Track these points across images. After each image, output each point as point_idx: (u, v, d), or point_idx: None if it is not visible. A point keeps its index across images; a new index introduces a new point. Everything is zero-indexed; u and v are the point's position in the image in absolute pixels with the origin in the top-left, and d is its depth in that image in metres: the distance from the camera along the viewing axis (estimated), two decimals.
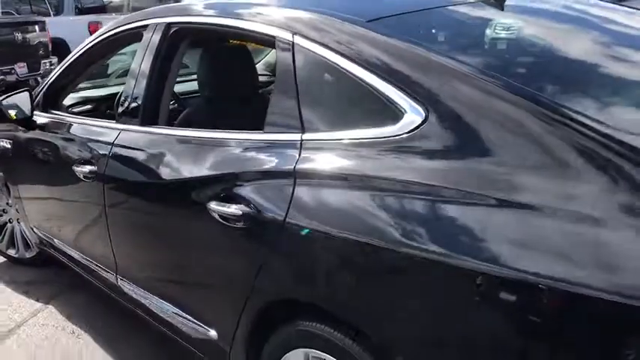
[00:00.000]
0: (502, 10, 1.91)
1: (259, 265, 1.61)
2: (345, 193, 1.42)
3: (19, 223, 3.56)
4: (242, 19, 1.92)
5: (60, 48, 10.70)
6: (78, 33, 11.23)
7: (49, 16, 12.08)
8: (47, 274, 3.48)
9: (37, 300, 3.21)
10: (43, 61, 9.38)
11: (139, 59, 2.31)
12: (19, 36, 8.96)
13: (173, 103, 2.81)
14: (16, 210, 3.48)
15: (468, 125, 1.29)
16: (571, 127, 1.20)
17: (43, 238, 3.13)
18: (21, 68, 8.72)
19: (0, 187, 3.58)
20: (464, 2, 1.98)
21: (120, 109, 2.38)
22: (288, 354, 1.61)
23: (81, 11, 14.05)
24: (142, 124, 2.23)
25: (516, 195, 1.17)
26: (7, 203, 3.59)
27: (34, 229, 3.20)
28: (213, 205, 1.72)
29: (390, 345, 1.32)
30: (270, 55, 3.25)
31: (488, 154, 1.25)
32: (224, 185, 1.72)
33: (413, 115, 1.38)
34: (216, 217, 1.71)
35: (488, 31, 1.72)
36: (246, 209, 1.62)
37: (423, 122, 1.35)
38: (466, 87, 1.33)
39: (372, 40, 1.54)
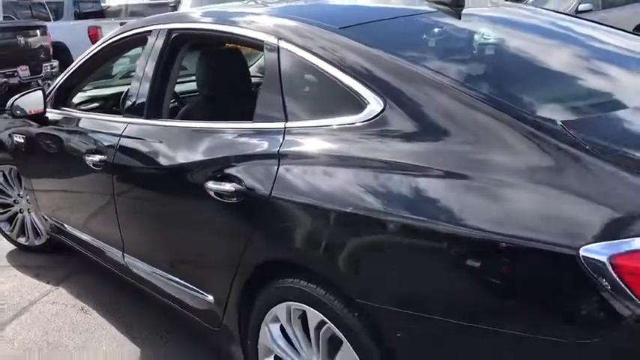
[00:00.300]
0: (451, 18, 2.23)
1: (249, 234, 1.91)
2: (320, 169, 1.73)
3: (29, 213, 3.85)
4: (235, 25, 2.23)
5: (60, 52, 10.99)
6: (78, 37, 11.53)
7: (49, 20, 12.33)
8: (56, 260, 3.77)
9: (48, 282, 3.50)
10: (44, 64, 9.67)
11: (144, 61, 2.61)
12: (21, 40, 9.24)
13: (173, 101, 3.11)
14: (27, 201, 3.77)
15: (416, 112, 1.60)
16: (498, 112, 1.50)
17: (54, 225, 3.42)
18: (23, 71, 9.01)
19: (12, 180, 3.87)
20: (420, 12, 2.29)
21: (126, 105, 2.68)
22: (273, 309, 1.91)
23: (80, 16, 14.33)
24: (147, 118, 2.53)
25: (429, 160, 1.50)
26: (19, 194, 3.88)
27: (45, 217, 3.49)
28: (209, 185, 2.01)
29: (355, 292, 1.61)
30: (262, 60, 3.57)
31: (430, 135, 1.55)
32: (219, 167, 2.02)
33: (374, 105, 1.68)
34: (212, 194, 2.01)
35: (436, 36, 2.03)
36: (238, 186, 1.91)
37: (382, 111, 1.66)
38: (414, 82, 1.64)
39: (343, 43, 1.85)
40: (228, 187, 1.95)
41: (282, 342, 1.93)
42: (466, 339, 1.42)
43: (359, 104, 1.72)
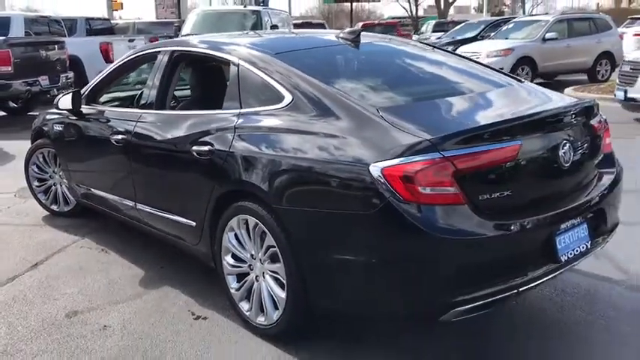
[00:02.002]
0: (347, 47, 3.51)
1: (216, 176, 3.13)
2: (257, 134, 2.96)
3: (60, 185, 5.07)
4: (214, 50, 3.50)
5: (75, 64, 12.29)
6: (90, 51, 12.85)
7: (65, 36, 13.60)
8: (80, 221, 4.97)
9: (75, 235, 4.70)
10: (61, 75, 10.95)
11: (154, 72, 3.86)
12: (43, 53, 10.53)
13: (173, 103, 4.35)
14: (59, 176, 5.00)
15: (307, 101, 2.84)
16: (345, 101, 2.74)
17: (83, 192, 4.63)
18: (44, 80, 10.28)
19: (49, 160, 5.10)
20: (330, 44, 3.58)
21: (141, 101, 3.93)
22: (229, 222, 3.11)
23: (91, 33, 15.65)
24: (156, 109, 3.77)
25: (310, 127, 2.75)
26: (53, 171, 5.10)
27: (77, 186, 4.70)
28: (193, 148, 3.24)
29: (273, 202, 2.82)
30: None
31: (312, 112, 2.80)
32: (199, 136, 3.25)
33: (287, 98, 2.92)
34: (195, 154, 3.23)
35: (331, 58, 3.32)
36: (211, 147, 3.14)
37: (291, 101, 2.90)
38: (307, 84, 2.89)
39: (274, 63, 3.11)
40: (204, 148, 3.17)
41: (235, 242, 3.14)
42: (320, 217, 2.64)
43: (280, 98, 2.97)
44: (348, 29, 3.59)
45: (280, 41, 3.77)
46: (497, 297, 2.51)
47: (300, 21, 23.92)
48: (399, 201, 2.41)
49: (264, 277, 3.01)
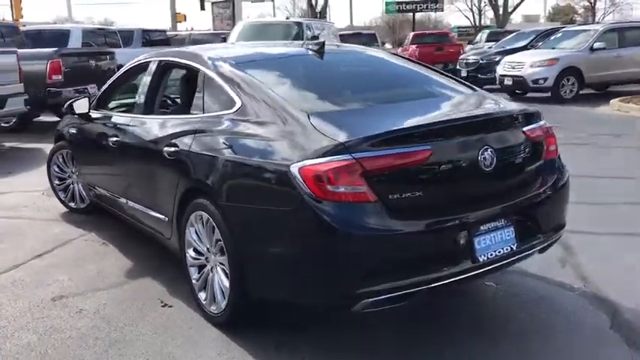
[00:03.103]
0: (312, 58, 3.72)
1: (180, 174, 3.42)
2: (212, 137, 3.23)
3: (77, 184, 5.51)
4: (187, 59, 3.81)
5: None
6: None
7: (120, 47, 14.39)
8: (93, 217, 5.39)
9: (84, 229, 5.12)
10: None
11: (146, 79, 4.20)
12: (93, 63, 11.24)
13: (171, 107, 4.69)
14: (76, 175, 5.44)
15: (251, 107, 3.08)
16: (283, 107, 2.97)
17: (91, 190, 5.04)
18: (92, 88, 10.95)
19: (67, 161, 5.56)
20: (295, 54, 3.80)
21: (134, 106, 4.28)
22: (190, 217, 3.39)
23: (147, 44, 16.44)
24: (144, 114, 4.11)
25: (250, 130, 2.99)
26: (72, 171, 5.55)
27: (87, 184, 5.12)
28: (164, 149, 3.55)
29: (220, 199, 3.08)
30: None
31: (254, 117, 3.04)
32: (170, 139, 3.55)
33: (237, 104, 3.18)
34: (166, 155, 3.53)
35: (292, 67, 3.54)
36: (176, 149, 3.44)
37: (240, 107, 3.16)
38: (254, 91, 3.14)
39: (233, 71, 3.37)
40: (172, 149, 3.47)
41: (195, 236, 3.41)
42: (254, 213, 2.87)
43: (232, 103, 3.23)
44: (314, 41, 3.82)
45: (247, 52, 4.04)
46: (407, 291, 2.67)
47: (351, 31, 24.21)
48: (311, 198, 2.61)
49: (216, 269, 3.27)
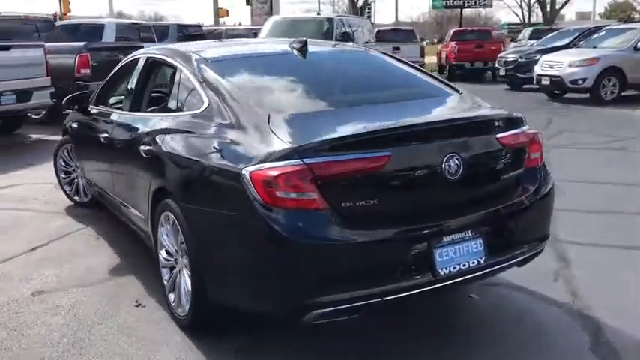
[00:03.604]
0: (289, 58, 3.62)
1: (152, 173, 3.38)
2: (177, 137, 3.18)
3: (81, 179, 5.56)
4: (169, 57, 3.76)
5: None
6: None
7: (154, 42, 14.51)
8: (95, 211, 5.42)
9: (82, 223, 5.15)
10: None
11: (134, 76, 4.18)
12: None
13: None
14: (80, 169, 5.49)
15: (215, 108, 3.00)
16: (244, 110, 2.88)
17: (89, 183, 5.07)
18: None
19: (72, 155, 5.61)
20: (274, 54, 3.72)
21: (123, 103, 4.27)
22: (160, 217, 3.34)
23: (183, 39, 16.58)
24: (130, 111, 4.09)
25: (213, 131, 2.91)
26: (76, 165, 5.61)
27: (85, 178, 5.16)
28: (140, 147, 3.51)
29: (181, 201, 3.02)
30: None
31: (217, 116, 2.96)
32: (145, 137, 3.52)
33: (205, 104, 3.11)
34: (142, 153, 3.50)
35: (267, 67, 3.45)
36: (150, 147, 3.39)
37: (207, 107, 3.08)
38: (220, 92, 3.06)
39: (206, 70, 3.30)
40: (147, 148, 3.43)
41: (165, 237, 3.37)
42: (211, 217, 2.80)
43: (202, 103, 3.16)
44: (297, 39, 3.70)
45: (229, 51, 3.95)
46: (359, 303, 2.56)
47: (388, 28, 23.93)
48: (260, 204, 2.52)
49: (182, 271, 3.22)
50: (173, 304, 3.33)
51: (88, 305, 3.61)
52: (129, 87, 4.22)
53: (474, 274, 2.79)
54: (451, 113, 3.13)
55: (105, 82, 4.95)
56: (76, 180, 5.66)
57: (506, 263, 2.93)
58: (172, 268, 3.36)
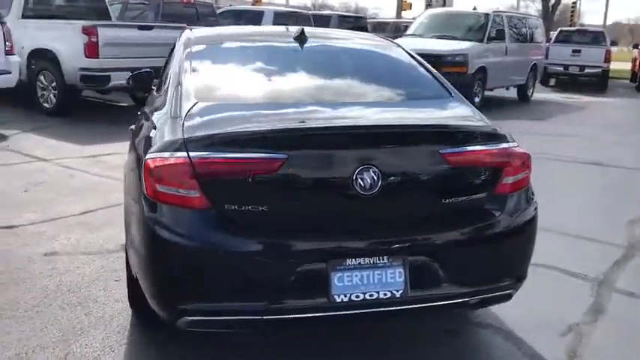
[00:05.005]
0: (283, 48, 3.40)
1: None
2: (140, 118, 3.13)
3: None
4: (179, 39, 3.72)
5: None
6: None
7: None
8: None
9: None
10: None
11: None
12: None
13: None
14: None
15: (169, 91, 2.87)
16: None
17: None
18: None
19: None
20: (271, 42, 3.53)
21: None
22: None
23: (344, 28, 16.71)
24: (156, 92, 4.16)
25: (154, 115, 2.83)
26: None
27: None
28: (131, 127, 3.54)
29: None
30: None
31: (164, 101, 2.85)
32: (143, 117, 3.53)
33: (166, 85, 3.03)
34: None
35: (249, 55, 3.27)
36: (132, 127, 3.41)
37: (166, 89, 2.99)
38: (178, 73, 2.95)
39: (185, 55, 3.17)
40: (131, 126, 3.45)
41: None
42: (129, 206, 2.70)
43: (166, 83, 3.09)
44: (299, 27, 3.43)
45: (220, 36, 3.76)
46: (233, 317, 2.32)
47: (575, 28, 21.87)
48: (144, 196, 2.39)
49: None
50: None
51: (76, 276, 3.69)
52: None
53: (386, 309, 2.37)
54: (393, 119, 2.68)
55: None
56: None
57: (441, 302, 2.45)
58: None
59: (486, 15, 12.60)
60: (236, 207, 2.30)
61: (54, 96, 9.01)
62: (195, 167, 2.26)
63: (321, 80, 3.13)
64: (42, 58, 9.00)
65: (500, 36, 12.47)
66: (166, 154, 2.33)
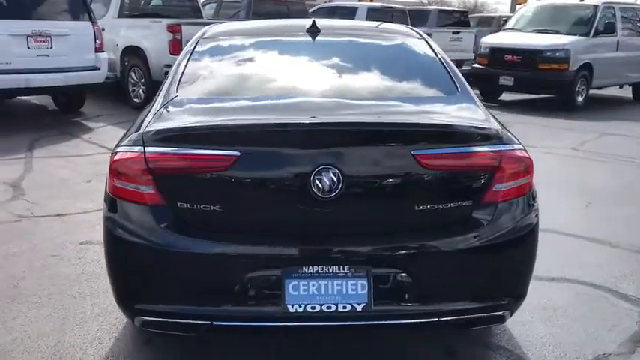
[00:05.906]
0: (294, 42, 3.23)
1: None
2: None
3: None
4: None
5: None
6: None
7: (407, 25, 14.39)
8: None
9: None
10: None
11: None
12: None
13: None
14: None
15: (168, 82, 2.78)
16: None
17: None
18: None
19: None
20: (286, 35, 3.36)
21: None
22: None
23: (443, 24, 16.15)
24: None
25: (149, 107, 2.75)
26: None
27: None
28: None
29: None
30: None
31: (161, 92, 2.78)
32: None
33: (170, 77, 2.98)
34: None
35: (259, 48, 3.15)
36: None
37: (171, 81, 2.91)
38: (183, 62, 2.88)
39: (197, 46, 3.12)
40: None
41: None
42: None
43: None
44: (311, 20, 3.25)
45: (239, 30, 3.61)
46: (184, 321, 2.22)
47: None
48: (105, 192, 2.36)
49: None
50: None
51: (99, 265, 3.76)
52: None
53: (345, 322, 2.17)
54: (365, 117, 2.42)
55: None
56: None
57: (410, 320, 2.21)
58: None
59: (595, 7, 11.62)
60: (188, 205, 2.20)
61: (143, 91, 9.43)
62: (149, 162, 2.19)
63: (318, 74, 2.93)
64: (133, 55, 9.45)
65: (610, 29, 11.47)
66: (125, 149, 2.28)
